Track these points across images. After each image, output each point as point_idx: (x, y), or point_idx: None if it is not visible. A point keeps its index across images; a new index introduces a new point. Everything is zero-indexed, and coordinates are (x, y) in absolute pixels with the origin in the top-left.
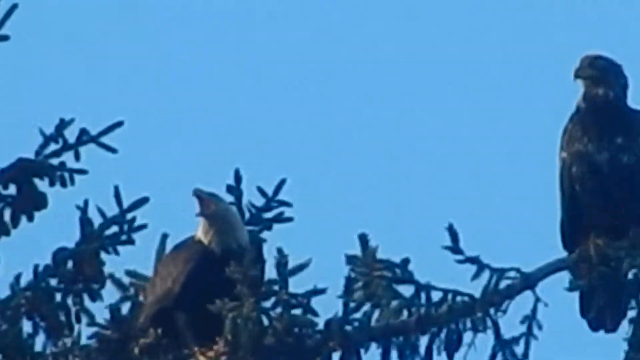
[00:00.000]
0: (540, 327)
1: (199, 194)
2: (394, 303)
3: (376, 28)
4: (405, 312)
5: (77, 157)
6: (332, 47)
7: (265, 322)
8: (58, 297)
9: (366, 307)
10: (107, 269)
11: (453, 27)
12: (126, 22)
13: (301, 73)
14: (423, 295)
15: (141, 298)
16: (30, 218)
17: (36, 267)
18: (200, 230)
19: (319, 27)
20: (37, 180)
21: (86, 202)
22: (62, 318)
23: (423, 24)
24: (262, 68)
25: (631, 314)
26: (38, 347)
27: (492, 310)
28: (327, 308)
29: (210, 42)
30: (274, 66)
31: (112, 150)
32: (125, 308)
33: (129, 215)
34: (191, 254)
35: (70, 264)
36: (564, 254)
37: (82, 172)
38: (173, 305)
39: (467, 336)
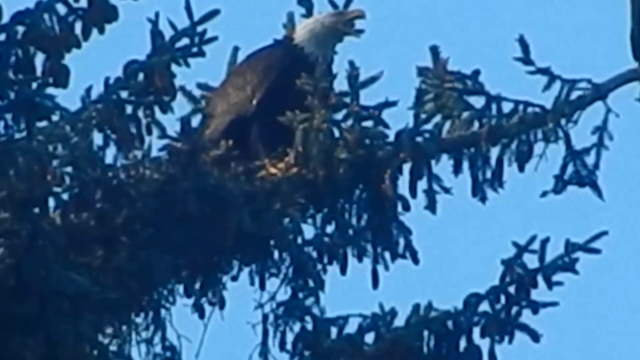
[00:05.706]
0: (611, 138)
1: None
2: (465, 114)
3: None
4: (476, 123)
5: None
6: None
7: (336, 134)
8: (129, 109)
9: (437, 118)
10: (178, 82)
11: None
12: None
13: None
14: (494, 107)
15: (208, 109)
16: (101, 30)
17: (107, 79)
18: (304, 34)
19: None
20: None
21: (157, 15)
22: (133, 130)
23: None
24: None
25: None
26: (109, 159)
27: (563, 121)
28: (398, 120)
29: None
30: None
31: None
32: (195, 120)
33: (200, 28)
34: (274, 61)
35: (141, 76)
36: (634, 64)
37: None
38: (249, 114)
39: (538, 147)
